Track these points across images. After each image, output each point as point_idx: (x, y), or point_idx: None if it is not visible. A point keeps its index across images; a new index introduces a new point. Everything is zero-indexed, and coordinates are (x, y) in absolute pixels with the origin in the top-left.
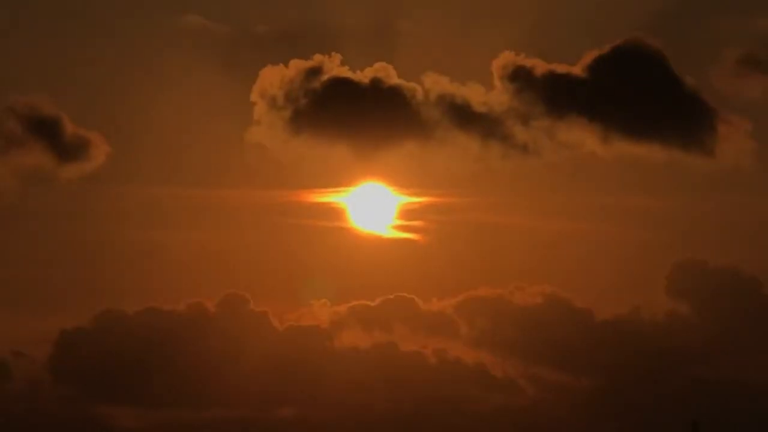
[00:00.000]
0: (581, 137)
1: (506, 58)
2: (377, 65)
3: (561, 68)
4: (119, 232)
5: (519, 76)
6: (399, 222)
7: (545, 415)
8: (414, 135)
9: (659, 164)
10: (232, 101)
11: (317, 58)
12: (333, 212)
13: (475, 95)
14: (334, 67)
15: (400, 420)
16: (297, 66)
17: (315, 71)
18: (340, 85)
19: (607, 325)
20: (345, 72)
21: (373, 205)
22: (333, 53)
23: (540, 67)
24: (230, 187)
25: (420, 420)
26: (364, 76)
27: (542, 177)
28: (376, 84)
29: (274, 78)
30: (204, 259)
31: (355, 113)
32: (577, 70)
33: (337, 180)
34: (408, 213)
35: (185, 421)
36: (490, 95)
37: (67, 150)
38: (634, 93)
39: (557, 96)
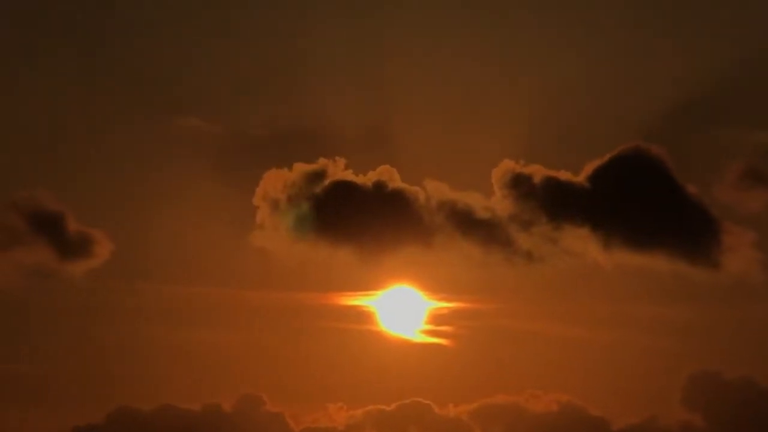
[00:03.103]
0: (584, 246)
1: (506, 166)
2: (381, 168)
3: (562, 176)
4: (131, 329)
5: (519, 185)
6: (428, 327)
7: None
8: (420, 238)
9: (665, 274)
10: (235, 204)
11: (321, 162)
12: (357, 315)
13: (475, 202)
14: (338, 170)
15: None
16: (300, 169)
17: (319, 175)
18: (343, 188)
19: None
20: (349, 175)
21: (402, 308)
22: (337, 157)
23: (539, 175)
24: (242, 288)
25: None
26: (367, 179)
27: (555, 284)
28: (379, 187)
29: (278, 181)
30: (220, 358)
31: (360, 216)
32: (579, 178)
33: (362, 283)
34: (437, 318)
35: None
36: (491, 202)
37: (71, 246)
38: (636, 202)
39: (558, 204)
